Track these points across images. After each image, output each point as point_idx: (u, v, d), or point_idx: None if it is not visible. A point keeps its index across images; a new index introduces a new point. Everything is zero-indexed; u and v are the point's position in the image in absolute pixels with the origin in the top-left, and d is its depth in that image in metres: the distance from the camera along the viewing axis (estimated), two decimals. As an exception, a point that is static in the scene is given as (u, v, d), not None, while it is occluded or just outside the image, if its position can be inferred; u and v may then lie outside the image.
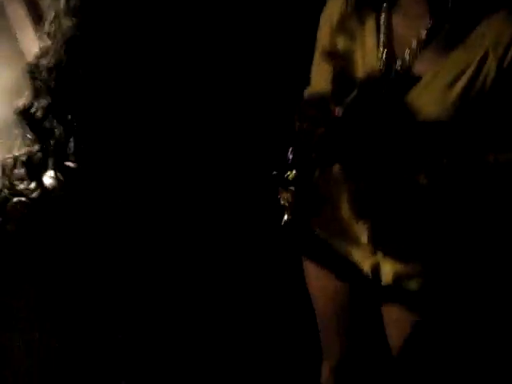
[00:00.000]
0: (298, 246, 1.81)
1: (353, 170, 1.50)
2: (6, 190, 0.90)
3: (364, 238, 1.61)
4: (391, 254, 1.62)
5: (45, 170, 0.93)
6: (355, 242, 1.64)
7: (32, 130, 0.93)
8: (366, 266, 1.65)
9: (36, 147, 0.92)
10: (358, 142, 1.43)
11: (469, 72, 1.41)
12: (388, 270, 1.63)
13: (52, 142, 0.89)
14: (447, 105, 1.42)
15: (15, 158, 0.95)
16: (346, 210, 1.62)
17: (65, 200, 0.88)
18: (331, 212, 1.67)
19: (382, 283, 1.64)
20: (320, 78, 1.57)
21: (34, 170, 0.91)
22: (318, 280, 1.78)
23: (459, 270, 1.62)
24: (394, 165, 1.47)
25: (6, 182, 0.92)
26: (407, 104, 1.47)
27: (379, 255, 1.63)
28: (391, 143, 1.46)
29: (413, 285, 1.62)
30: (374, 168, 1.48)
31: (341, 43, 1.51)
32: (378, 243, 1.61)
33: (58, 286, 0.89)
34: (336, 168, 1.53)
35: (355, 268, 1.67)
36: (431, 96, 1.44)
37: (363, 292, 1.71)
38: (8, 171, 0.94)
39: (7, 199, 0.88)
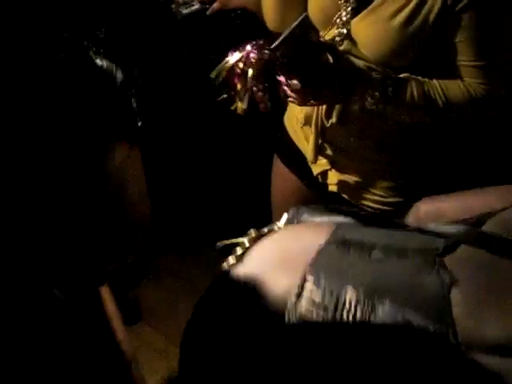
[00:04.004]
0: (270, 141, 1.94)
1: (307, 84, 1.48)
2: None
3: (311, 144, 1.70)
4: (334, 164, 1.72)
5: None
6: (308, 144, 1.73)
7: None
8: (315, 170, 1.76)
9: None
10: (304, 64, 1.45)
11: (412, 4, 1.42)
12: (333, 179, 1.74)
13: None
14: (390, 33, 1.45)
15: None
16: (300, 113, 1.72)
17: None
18: (292, 112, 1.78)
19: (329, 189, 1.75)
20: None
21: None
22: (281, 174, 1.90)
23: (404, 189, 1.68)
24: (340, 88, 1.50)
25: None
26: (353, 28, 1.50)
27: (325, 163, 1.73)
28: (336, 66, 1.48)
29: (356, 197, 1.72)
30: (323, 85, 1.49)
31: None
32: (323, 152, 1.71)
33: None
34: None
35: (309, 170, 1.78)
36: (375, 23, 1.47)
37: (318, 194, 1.80)
38: None
39: None
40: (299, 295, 0.63)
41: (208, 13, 1.98)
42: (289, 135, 1.85)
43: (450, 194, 0.88)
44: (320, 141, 1.71)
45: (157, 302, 2.56)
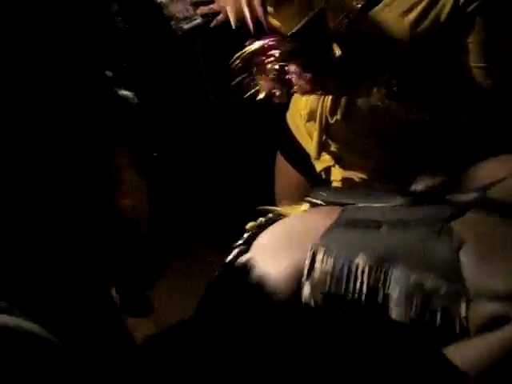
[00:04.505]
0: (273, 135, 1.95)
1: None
2: None
3: (314, 139, 1.72)
4: (338, 160, 1.74)
5: None
6: (311, 140, 1.75)
7: None
8: (319, 166, 1.78)
9: None
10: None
11: (424, 3, 1.44)
12: (337, 175, 1.76)
13: None
14: (401, 30, 1.46)
15: None
16: (303, 109, 1.73)
17: None
18: (295, 109, 1.80)
19: (333, 186, 1.75)
20: None
21: None
22: (284, 170, 1.92)
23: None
24: (347, 78, 1.51)
25: None
26: (368, 21, 1.51)
27: (329, 159, 1.75)
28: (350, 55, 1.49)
29: None
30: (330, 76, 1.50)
31: None
32: (326, 148, 1.73)
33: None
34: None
35: (312, 167, 1.80)
36: (386, 20, 1.48)
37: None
38: None
39: None
40: (311, 267, 0.64)
41: (212, 25, 1.99)
42: (291, 132, 1.87)
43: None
44: (324, 137, 1.72)
45: (162, 300, 2.57)
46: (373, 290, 0.63)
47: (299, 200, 1.79)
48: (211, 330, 0.69)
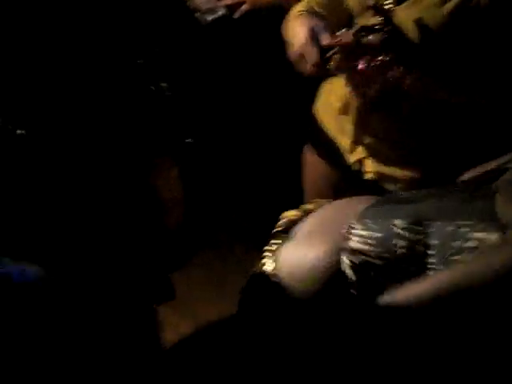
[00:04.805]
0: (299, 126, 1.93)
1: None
2: None
3: (349, 131, 1.72)
4: (371, 152, 1.72)
5: None
6: (343, 132, 1.75)
7: None
8: (351, 158, 1.75)
9: None
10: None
11: None
12: (370, 167, 1.73)
13: None
14: (439, 19, 1.45)
15: None
16: (336, 102, 1.73)
17: None
18: (327, 101, 1.79)
19: (365, 177, 1.74)
20: None
21: None
22: (313, 164, 1.90)
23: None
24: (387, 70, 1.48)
25: None
26: (398, 16, 1.50)
27: (361, 151, 1.73)
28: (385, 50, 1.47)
29: (392, 188, 1.70)
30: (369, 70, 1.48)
31: None
32: (360, 140, 1.72)
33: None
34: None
35: (344, 158, 1.78)
36: (423, 11, 1.47)
37: (351, 183, 1.79)
38: None
39: None
40: (347, 240, 0.65)
41: (236, 16, 1.99)
42: (320, 125, 1.85)
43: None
44: (358, 129, 1.71)
45: (182, 292, 2.55)
46: (413, 243, 0.65)
47: (328, 194, 1.82)
48: (258, 319, 0.68)
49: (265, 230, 2.48)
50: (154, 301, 1.26)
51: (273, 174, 2.58)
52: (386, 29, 1.46)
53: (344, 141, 1.76)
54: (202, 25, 2.10)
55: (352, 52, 1.46)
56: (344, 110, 1.72)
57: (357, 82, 1.53)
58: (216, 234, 2.86)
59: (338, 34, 1.49)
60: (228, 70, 2.35)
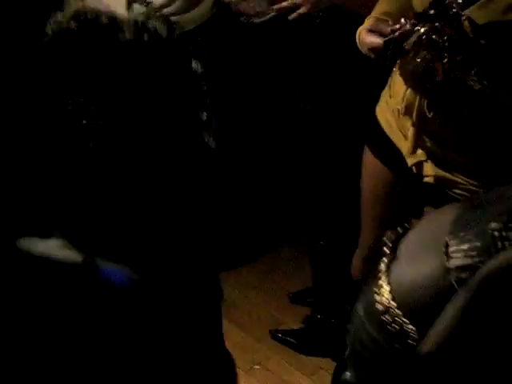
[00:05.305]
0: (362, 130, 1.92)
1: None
2: None
3: (410, 134, 1.69)
4: (431, 155, 1.70)
5: None
6: (404, 135, 1.73)
7: None
8: (410, 161, 1.73)
9: None
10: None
11: None
12: (429, 171, 1.71)
13: None
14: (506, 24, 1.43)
15: None
16: (399, 103, 1.70)
17: None
18: (389, 103, 1.77)
19: (424, 180, 1.72)
20: None
21: None
22: (371, 166, 1.88)
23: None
24: (451, 73, 1.48)
25: None
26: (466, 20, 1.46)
27: (421, 154, 1.71)
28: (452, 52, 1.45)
29: (451, 192, 1.68)
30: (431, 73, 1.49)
31: None
32: (420, 143, 1.69)
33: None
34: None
35: (403, 161, 1.75)
36: (493, 11, 1.45)
37: (409, 186, 1.79)
38: None
39: None
40: (448, 257, 0.60)
41: (290, 18, 1.97)
42: (381, 127, 1.82)
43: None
44: (418, 131, 1.68)
45: (230, 295, 2.52)
46: None
47: (384, 195, 1.85)
48: None
49: (314, 233, 2.47)
50: (203, 301, 1.25)
51: (333, 175, 2.53)
52: (452, 31, 1.44)
53: (404, 143, 1.74)
54: (249, 28, 2.10)
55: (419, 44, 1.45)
56: (406, 111, 1.69)
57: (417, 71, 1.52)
58: (266, 237, 2.83)
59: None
60: (288, 73, 2.32)
